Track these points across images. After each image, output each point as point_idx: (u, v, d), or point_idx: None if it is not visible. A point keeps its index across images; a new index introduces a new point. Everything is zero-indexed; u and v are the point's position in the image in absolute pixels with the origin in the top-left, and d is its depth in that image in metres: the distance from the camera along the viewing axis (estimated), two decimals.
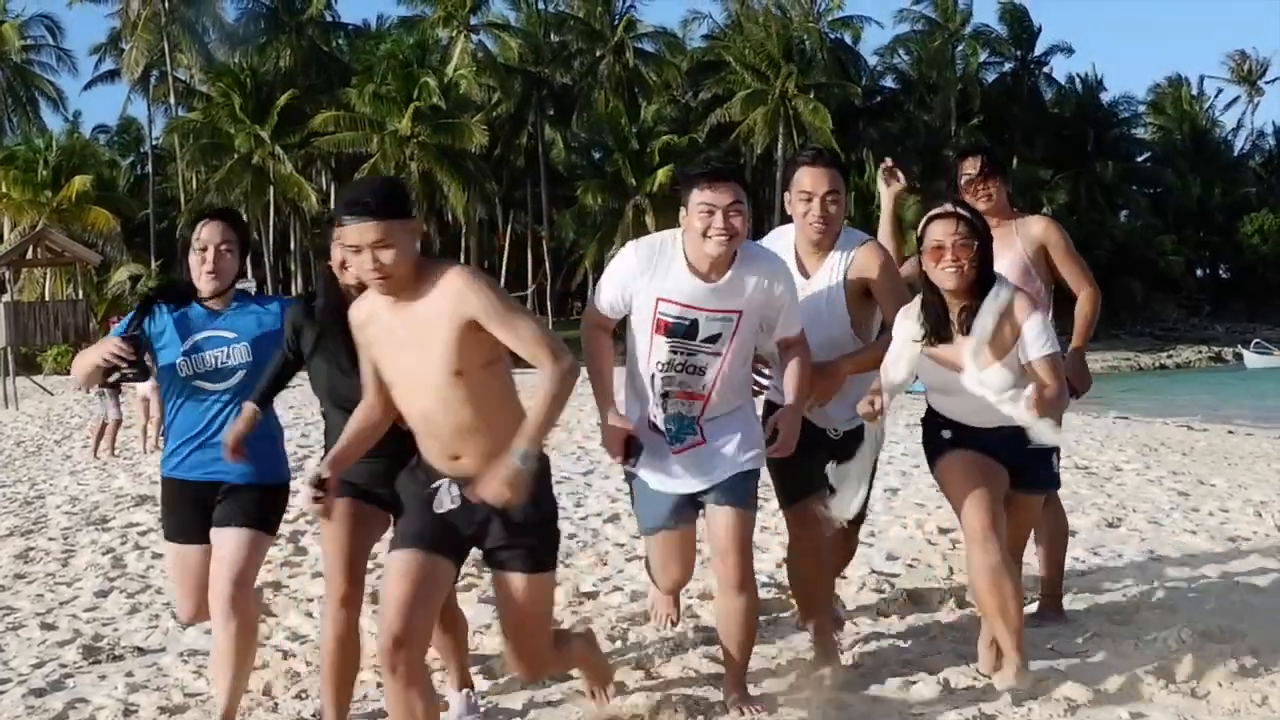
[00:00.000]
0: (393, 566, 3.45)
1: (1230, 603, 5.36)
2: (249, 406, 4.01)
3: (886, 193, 5.01)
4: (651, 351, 3.99)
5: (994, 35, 62.17)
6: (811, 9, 57.54)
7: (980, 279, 3.97)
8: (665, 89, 56.75)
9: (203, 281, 4.17)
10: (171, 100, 54.62)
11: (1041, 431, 3.95)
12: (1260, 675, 4.23)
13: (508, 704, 4.33)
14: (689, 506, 4.11)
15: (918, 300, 4.12)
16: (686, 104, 57.64)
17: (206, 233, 4.15)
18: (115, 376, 4.09)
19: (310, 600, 6.09)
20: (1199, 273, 66.47)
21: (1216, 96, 72.23)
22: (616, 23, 56.82)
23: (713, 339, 3.94)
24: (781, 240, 4.46)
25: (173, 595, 5.15)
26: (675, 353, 3.95)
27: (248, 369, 4.14)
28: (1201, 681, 4.20)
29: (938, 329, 4.04)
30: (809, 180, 4.29)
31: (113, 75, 56.87)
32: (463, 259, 53.04)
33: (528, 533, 3.50)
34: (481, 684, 4.55)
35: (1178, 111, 68.18)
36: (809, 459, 4.28)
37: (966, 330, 3.99)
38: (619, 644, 5.01)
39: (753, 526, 4.10)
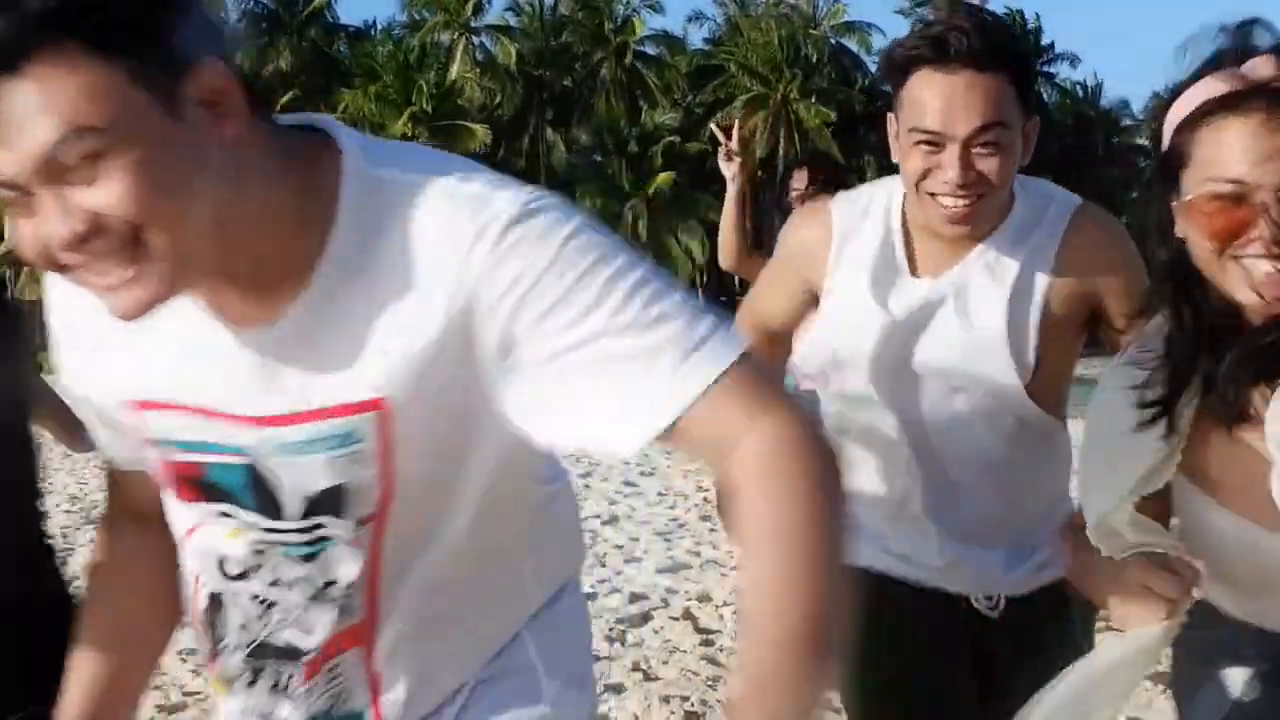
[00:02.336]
0: None
1: None
2: None
3: (730, 173, 4.04)
4: (190, 548, 1.29)
5: None
6: (813, 14, 57.71)
7: None
8: (666, 92, 56.84)
9: None
10: None
11: None
12: None
13: None
14: None
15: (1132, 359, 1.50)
16: (689, 107, 57.71)
17: None
18: None
19: None
20: None
21: None
22: (619, 24, 56.97)
23: (353, 507, 1.18)
24: (875, 206, 1.95)
25: None
26: (254, 549, 1.23)
27: None
28: None
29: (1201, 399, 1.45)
30: (934, 107, 1.74)
31: None
32: None
33: None
34: None
35: None
36: (935, 671, 2.00)
37: None
38: (617, 645, 5.02)
39: None
